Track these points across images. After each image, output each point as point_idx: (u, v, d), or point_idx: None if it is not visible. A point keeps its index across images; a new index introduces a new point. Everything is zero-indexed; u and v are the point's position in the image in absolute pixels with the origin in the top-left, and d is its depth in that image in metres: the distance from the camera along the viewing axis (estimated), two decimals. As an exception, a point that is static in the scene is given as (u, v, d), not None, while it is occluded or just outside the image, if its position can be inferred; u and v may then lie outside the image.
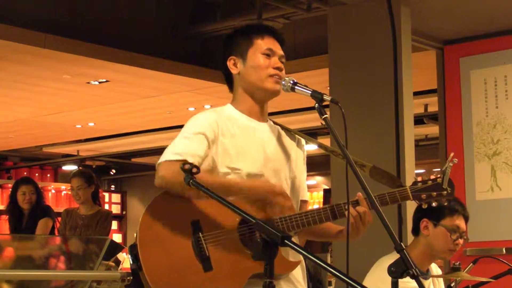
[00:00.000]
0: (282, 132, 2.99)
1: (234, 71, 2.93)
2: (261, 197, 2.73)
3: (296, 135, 3.03)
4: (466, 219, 3.84)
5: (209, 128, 2.79)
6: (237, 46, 2.93)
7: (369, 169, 2.99)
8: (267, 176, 2.83)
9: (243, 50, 2.91)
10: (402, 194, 2.82)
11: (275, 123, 3.00)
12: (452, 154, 2.79)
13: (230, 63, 2.94)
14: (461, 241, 3.80)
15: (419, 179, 2.88)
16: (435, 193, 2.82)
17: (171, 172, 2.66)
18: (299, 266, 2.86)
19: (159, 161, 2.76)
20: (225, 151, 2.80)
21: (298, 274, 2.88)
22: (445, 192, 2.82)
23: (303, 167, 3.01)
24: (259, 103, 2.93)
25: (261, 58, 2.89)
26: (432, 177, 2.84)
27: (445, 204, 2.90)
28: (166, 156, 2.75)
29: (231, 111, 2.92)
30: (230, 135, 2.83)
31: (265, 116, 2.97)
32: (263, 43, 2.91)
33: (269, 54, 2.89)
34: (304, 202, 2.99)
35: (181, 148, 2.74)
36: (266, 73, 2.87)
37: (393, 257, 3.73)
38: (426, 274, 3.80)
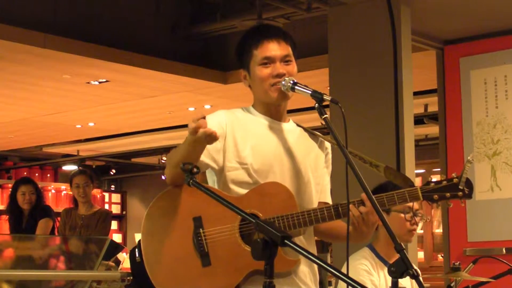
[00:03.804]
0: (304, 134, 2.96)
1: (245, 84, 2.93)
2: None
3: (320, 137, 2.99)
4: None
5: (216, 125, 2.76)
6: (243, 59, 2.91)
7: (384, 169, 2.95)
8: (279, 174, 2.82)
9: (247, 64, 2.88)
10: (411, 194, 2.77)
11: (298, 125, 2.98)
12: (471, 155, 2.74)
13: (241, 77, 2.93)
14: (417, 219, 3.79)
15: (437, 178, 2.80)
16: (449, 194, 2.77)
17: (167, 165, 2.76)
18: (309, 270, 2.86)
19: None
20: (235, 146, 2.80)
21: (307, 277, 2.86)
22: (461, 193, 2.78)
23: (324, 170, 2.97)
24: (274, 108, 2.91)
25: (259, 70, 2.84)
26: (451, 176, 2.77)
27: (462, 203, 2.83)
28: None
29: (250, 110, 2.92)
30: (242, 131, 2.83)
31: (284, 115, 2.95)
32: (259, 52, 2.84)
33: (266, 62, 2.83)
34: (325, 204, 2.91)
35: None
36: (268, 84, 2.83)
37: (361, 254, 3.74)
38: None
